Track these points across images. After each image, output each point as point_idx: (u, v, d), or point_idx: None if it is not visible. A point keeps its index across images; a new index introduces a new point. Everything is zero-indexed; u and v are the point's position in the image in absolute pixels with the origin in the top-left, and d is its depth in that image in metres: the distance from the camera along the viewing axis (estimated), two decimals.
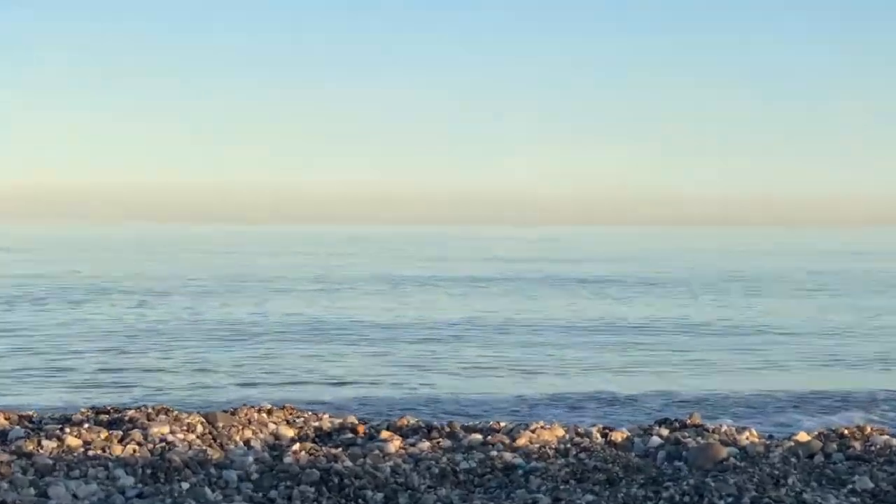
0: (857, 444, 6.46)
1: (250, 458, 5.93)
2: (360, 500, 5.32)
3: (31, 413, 7.29)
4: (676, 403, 13.22)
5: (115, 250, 64.56)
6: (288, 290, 32.19)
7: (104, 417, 7.11)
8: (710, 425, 7.04)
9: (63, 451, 6.01)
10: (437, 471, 5.78)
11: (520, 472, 5.86)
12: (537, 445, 6.38)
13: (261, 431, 6.73)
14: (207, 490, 5.34)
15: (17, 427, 6.68)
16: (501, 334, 21.06)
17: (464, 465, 5.90)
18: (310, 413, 7.47)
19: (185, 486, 5.48)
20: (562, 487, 5.63)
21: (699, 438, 6.56)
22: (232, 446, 6.36)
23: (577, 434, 6.77)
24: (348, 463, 5.75)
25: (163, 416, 6.99)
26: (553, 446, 6.37)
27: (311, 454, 6.09)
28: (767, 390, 14.36)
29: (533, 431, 6.71)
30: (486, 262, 52.38)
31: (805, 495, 5.22)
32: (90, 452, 5.99)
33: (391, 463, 5.81)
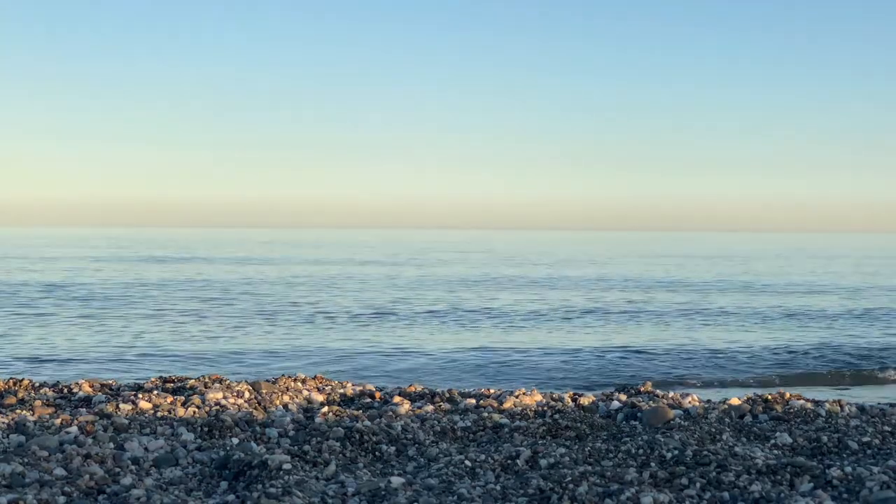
0: (779, 407, 6.47)
1: (288, 419, 5.94)
2: (376, 452, 5.33)
3: (110, 382, 7.30)
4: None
5: None
6: None
7: (170, 385, 7.13)
8: (659, 392, 7.05)
9: (136, 413, 6.02)
10: (439, 428, 5.79)
11: (506, 429, 5.87)
12: (520, 408, 6.39)
13: (296, 397, 6.74)
14: (253, 444, 5.35)
15: (100, 394, 6.69)
16: None
17: (461, 423, 5.91)
18: (336, 382, 7.48)
19: (235, 440, 5.49)
20: (540, 442, 5.64)
21: (651, 402, 6.57)
22: (273, 409, 6.38)
23: (552, 399, 6.78)
24: (367, 422, 5.76)
25: (217, 384, 7.00)
26: (532, 409, 6.38)
27: (337, 415, 6.10)
28: None
29: (517, 397, 6.72)
30: None
31: (736, 448, 5.22)
32: (158, 414, 6.01)
33: (402, 422, 5.82)
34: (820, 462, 5.04)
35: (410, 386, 7.30)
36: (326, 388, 7.15)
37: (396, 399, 6.78)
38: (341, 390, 7.12)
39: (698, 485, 4.61)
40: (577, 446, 5.39)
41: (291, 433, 5.65)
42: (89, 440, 5.23)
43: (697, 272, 40.45)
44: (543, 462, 5.03)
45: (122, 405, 6.11)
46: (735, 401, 6.70)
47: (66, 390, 6.91)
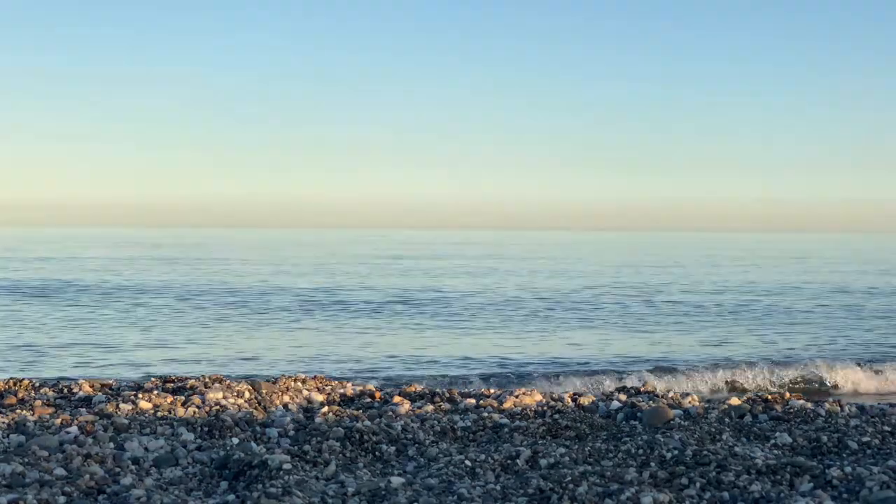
0: (779, 407, 6.48)
1: (288, 419, 5.95)
2: (376, 452, 5.33)
3: (111, 382, 7.31)
4: None
5: None
6: None
7: (170, 385, 7.13)
8: (659, 391, 7.05)
9: (136, 413, 6.03)
10: (439, 428, 5.79)
11: (506, 429, 5.87)
12: (520, 408, 6.40)
13: (297, 397, 6.74)
14: (253, 444, 5.36)
15: (100, 393, 6.70)
16: None
17: (461, 423, 5.91)
18: (336, 382, 7.49)
19: (235, 440, 5.50)
20: (540, 442, 5.64)
21: (651, 402, 6.58)
22: (273, 409, 6.38)
23: (552, 399, 6.78)
24: (367, 422, 5.77)
25: (217, 384, 7.00)
26: (532, 409, 6.38)
27: (337, 415, 6.10)
28: None
29: (516, 397, 6.72)
30: None
31: (736, 448, 5.23)
32: (159, 414, 6.01)
33: (402, 422, 5.82)
34: (820, 462, 5.04)
35: (410, 386, 7.31)
36: (326, 388, 7.16)
37: (396, 399, 6.78)
38: (341, 390, 7.12)
39: (698, 485, 4.62)
40: (577, 446, 5.40)
41: (291, 433, 5.65)
42: (89, 440, 5.24)
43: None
44: (543, 462, 5.04)
45: (122, 405, 6.12)
46: (735, 401, 6.70)
47: (66, 390, 6.91)
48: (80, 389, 6.89)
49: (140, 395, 6.35)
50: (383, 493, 4.45)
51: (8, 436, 5.33)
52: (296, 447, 5.25)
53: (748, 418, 6.24)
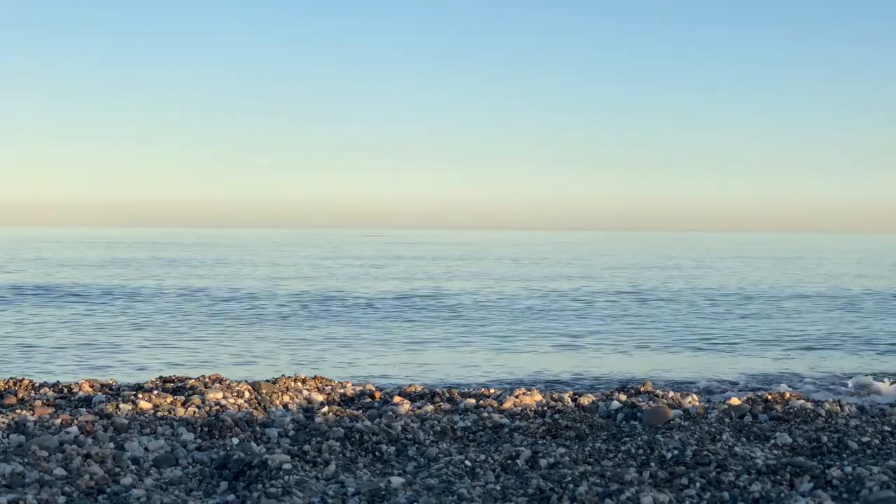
0: (779, 407, 6.48)
1: (288, 419, 5.94)
2: (376, 453, 5.33)
3: (110, 382, 7.30)
4: None
5: None
6: None
7: (170, 385, 7.13)
8: (659, 391, 7.05)
9: (136, 413, 6.02)
10: (439, 428, 5.79)
11: (506, 429, 5.87)
12: (520, 408, 6.39)
13: (297, 397, 6.74)
14: (253, 444, 5.35)
15: (100, 393, 6.69)
16: None
17: (461, 423, 5.91)
18: (336, 382, 7.48)
19: (235, 440, 5.50)
20: (540, 442, 5.64)
21: (651, 402, 6.57)
22: (273, 409, 6.37)
23: (552, 399, 6.78)
24: (367, 422, 5.76)
25: (217, 384, 7.00)
26: (532, 409, 6.38)
27: (337, 415, 6.10)
28: None
29: (517, 397, 6.72)
30: None
31: (736, 448, 5.23)
32: (158, 414, 6.01)
33: (402, 422, 5.82)
34: (820, 462, 5.04)
35: (410, 386, 7.31)
36: (326, 388, 7.15)
37: (396, 399, 6.78)
38: (341, 390, 7.12)
39: (698, 485, 4.61)
40: (577, 446, 5.39)
41: (291, 433, 5.65)
42: (89, 440, 5.23)
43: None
44: (543, 462, 5.03)
45: (122, 405, 6.11)
46: (735, 401, 6.69)
47: (66, 390, 6.91)
48: (80, 389, 6.88)
49: (140, 395, 6.35)
50: (383, 493, 4.45)
51: (8, 436, 5.33)
52: (296, 447, 5.24)
53: (748, 418, 6.24)
